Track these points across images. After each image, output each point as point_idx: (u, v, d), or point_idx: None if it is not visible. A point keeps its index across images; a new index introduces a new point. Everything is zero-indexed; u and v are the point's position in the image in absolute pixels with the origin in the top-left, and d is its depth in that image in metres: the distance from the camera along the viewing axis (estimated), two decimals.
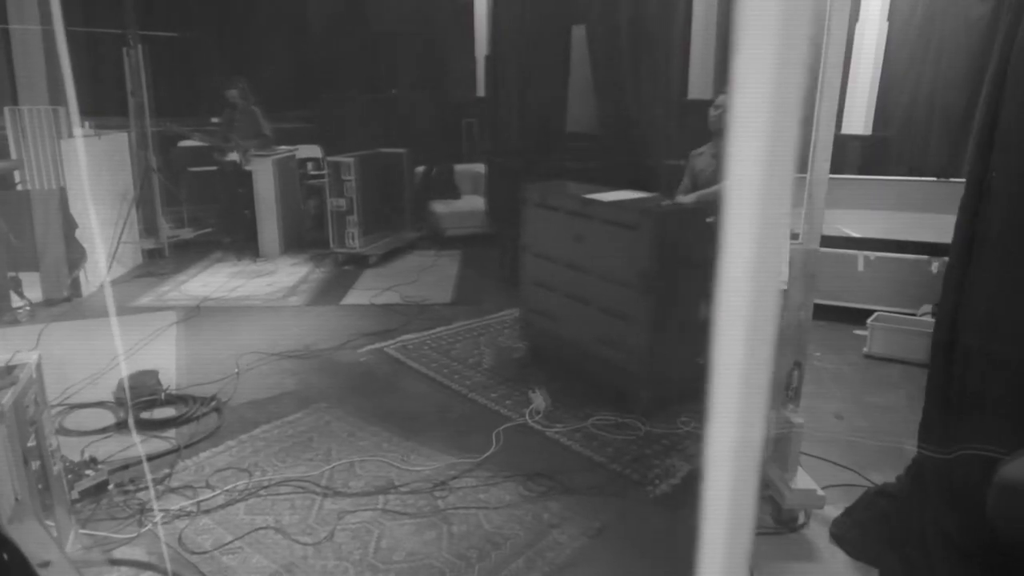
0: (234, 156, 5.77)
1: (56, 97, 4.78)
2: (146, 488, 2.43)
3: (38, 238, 4.28)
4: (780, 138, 0.27)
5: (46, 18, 4.66)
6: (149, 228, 5.72)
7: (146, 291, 4.85)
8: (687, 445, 2.73)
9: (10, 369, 1.90)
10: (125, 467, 2.54)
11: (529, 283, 3.60)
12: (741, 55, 0.26)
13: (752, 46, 0.26)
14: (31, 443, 1.94)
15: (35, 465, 1.96)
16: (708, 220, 2.91)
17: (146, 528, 2.23)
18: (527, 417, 2.99)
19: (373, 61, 7.71)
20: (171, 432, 2.86)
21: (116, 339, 3.80)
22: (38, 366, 1.99)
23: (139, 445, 2.67)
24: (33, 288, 4.35)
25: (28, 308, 4.18)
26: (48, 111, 4.54)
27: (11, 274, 4.16)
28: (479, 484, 2.52)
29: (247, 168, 5.71)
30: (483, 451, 2.73)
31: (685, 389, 2.95)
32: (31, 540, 1.42)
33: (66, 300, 4.47)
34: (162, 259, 5.63)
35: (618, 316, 3.02)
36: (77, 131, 4.77)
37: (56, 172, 4.48)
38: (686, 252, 2.89)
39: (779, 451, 2.33)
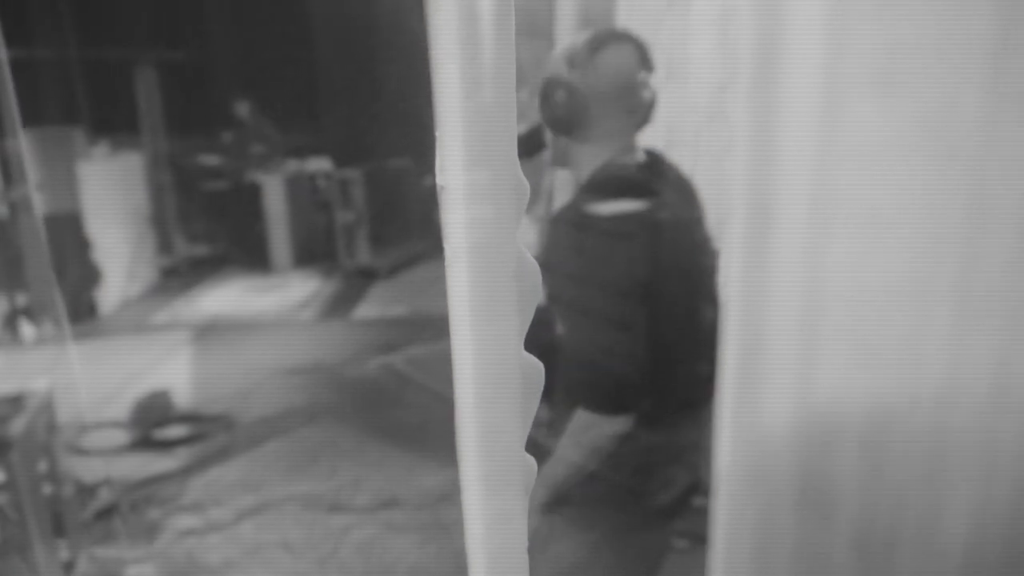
0: (245, 172, 5.88)
1: (67, 117, 4.91)
2: (158, 507, 2.50)
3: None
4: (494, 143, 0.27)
5: (50, 40, 4.78)
6: (164, 246, 5.82)
7: (161, 309, 4.94)
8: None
9: (21, 397, 1.97)
10: (138, 486, 2.61)
11: None
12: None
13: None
14: (43, 468, 2.01)
15: (48, 489, 2.04)
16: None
17: (156, 547, 2.30)
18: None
19: (379, 72, 7.79)
20: (182, 450, 2.93)
21: (130, 359, 3.89)
22: (49, 392, 2.06)
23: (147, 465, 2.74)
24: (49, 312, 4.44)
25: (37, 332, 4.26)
26: (55, 132, 4.64)
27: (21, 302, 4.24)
28: None
29: (257, 183, 5.81)
30: None
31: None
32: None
33: (82, 320, 4.57)
34: (177, 276, 5.73)
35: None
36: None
37: (68, 194, 4.59)
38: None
39: None
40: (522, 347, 0.30)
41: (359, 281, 5.50)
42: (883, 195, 0.70)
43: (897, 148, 0.68)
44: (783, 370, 0.81)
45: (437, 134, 0.26)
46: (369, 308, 4.90)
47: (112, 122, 5.80)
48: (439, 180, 0.27)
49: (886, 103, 0.67)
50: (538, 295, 0.30)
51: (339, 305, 4.97)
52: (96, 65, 5.93)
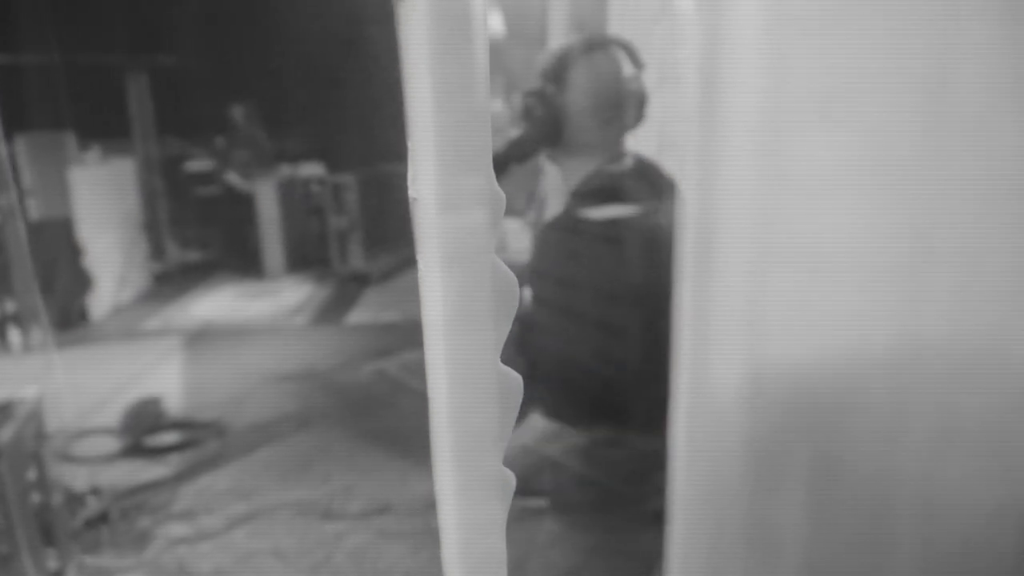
0: (237, 178, 5.86)
1: (59, 122, 4.88)
2: (148, 515, 2.48)
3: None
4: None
5: (40, 45, 4.76)
6: (156, 251, 5.80)
7: (152, 315, 4.92)
8: None
9: (9, 405, 1.95)
10: (128, 494, 2.59)
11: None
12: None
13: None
14: (31, 476, 1.99)
15: (36, 498, 2.01)
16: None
17: (146, 555, 2.28)
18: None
19: (374, 76, 7.77)
20: (173, 457, 2.91)
21: (121, 365, 3.86)
22: (38, 399, 2.04)
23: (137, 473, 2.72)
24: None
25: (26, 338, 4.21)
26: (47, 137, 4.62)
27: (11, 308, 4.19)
28: None
29: (249, 190, 5.80)
30: None
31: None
32: None
33: (74, 326, 4.55)
34: (169, 282, 5.71)
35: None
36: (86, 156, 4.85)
37: (59, 199, 4.56)
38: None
39: None
40: (499, 358, 0.29)
41: (352, 286, 5.49)
42: (826, 227, 0.70)
43: (840, 181, 0.68)
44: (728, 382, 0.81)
45: (409, 144, 0.26)
46: (362, 313, 4.88)
47: (103, 127, 5.77)
48: (411, 192, 0.26)
49: (829, 136, 0.67)
50: (515, 306, 0.29)
51: (332, 310, 4.96)
52: (87, 70, 5.89)
